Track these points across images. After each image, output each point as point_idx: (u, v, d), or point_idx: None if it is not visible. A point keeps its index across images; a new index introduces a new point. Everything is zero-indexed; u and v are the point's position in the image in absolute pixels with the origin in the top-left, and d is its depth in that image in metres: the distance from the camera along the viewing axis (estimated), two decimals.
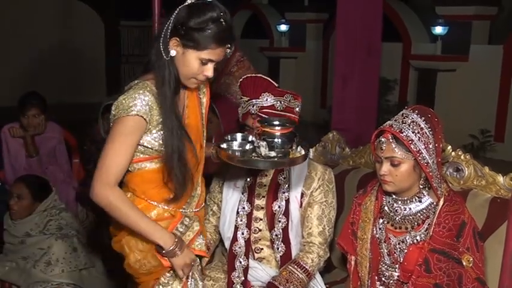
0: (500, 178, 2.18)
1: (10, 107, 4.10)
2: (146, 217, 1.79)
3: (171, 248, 1.78)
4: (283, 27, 10.27)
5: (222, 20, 1.71)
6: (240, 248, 2.26)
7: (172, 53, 1.74)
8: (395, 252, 1.97)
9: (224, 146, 1.95)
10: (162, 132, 1.78)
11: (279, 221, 2.25)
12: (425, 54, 8.25)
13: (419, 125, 1.83)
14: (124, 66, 12.58)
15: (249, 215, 2.27)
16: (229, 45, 1.77)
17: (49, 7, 10.97)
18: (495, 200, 2.16)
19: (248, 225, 2.27)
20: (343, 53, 4.16)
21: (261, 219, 2.27)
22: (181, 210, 1.90)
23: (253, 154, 1.90)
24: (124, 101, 1.73)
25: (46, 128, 3.68)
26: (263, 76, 2.15)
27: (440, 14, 7.93)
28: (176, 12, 1.73)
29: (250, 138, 1.99)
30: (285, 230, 2.24)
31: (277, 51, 10.55)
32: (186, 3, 1.74)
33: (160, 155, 1.81)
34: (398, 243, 1.96)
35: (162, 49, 1.74)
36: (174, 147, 1.77)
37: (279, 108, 2.12)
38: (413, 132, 1.82)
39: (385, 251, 1.99)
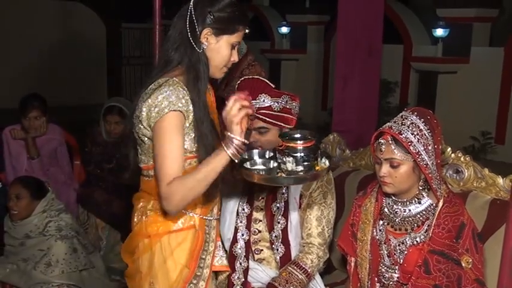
0: (500, 180, 2.19)
1: (11, 109, 4.11)
2: (200, 170, 1.67)
3: (231, 152, 1.64)
4: (284, 29, 10.28)
5: (236, 1, 1.75)
6: (240, 249, 2.27)
7: (205, 45, 1.73)
8: (395, 254, 1.97)
9: (248, 165, 1.90)
10: (195, 130, 1.73)
11: (278, 222, 2.25)
12: (426, 56, 8.26)
13: (419, 127, 1.84)
14: (125, 68, 12.60)
15: (249, 217, 2.28)
16: (248, 27, 1.80)
17: (50, 8, 11.00)
18: (495, 202, 2.16)
19: (248, 227, 2.28)
20: (344, 54, 4.17)
21: (260, 221, 2.28)
22: (205, 217, 1.85)
23: (277, 170, 1.88)
24: (162, 99, 1.66)
25: (47, 129, 3.69)
26: (260, 78, 2.16)
27: (441, 16, 7.94)
28: (191, 6, 1.72)
29: (267, 154, 1.97)
30: (284, 231, 2.25)
31: (278, 53, 10.56)
32: None
33: (196, 155, 1.75)
34: (398, 245, 1.96)
35: (193, 43, 1.71)
36: (210, 146, 1.73)
37: (276, 109, 2.13)
38: (412, 134, 1.83)
39: (385, 252, 2.00)
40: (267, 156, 1.96)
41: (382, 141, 1.89)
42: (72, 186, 3.84)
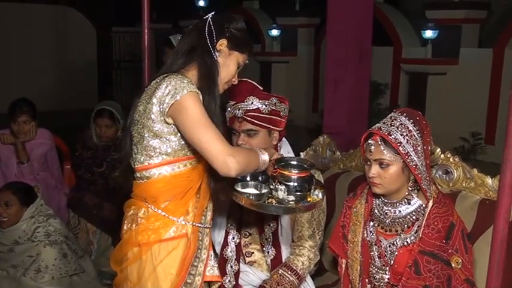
0: (489, 180, 2.20)
1: (0, 114, 4.08)
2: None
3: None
4: (275, 32, 10.30)
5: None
6: (231, 252, 2.26)
7: (219, 53, 1.78)
8: (385, 255, 1.98)
9: (239, 186, 1.90)
10: None
11: (269, 225, 2.25)
12: (416, 58, 8.30)
13: (408, 128, 1.85)
14: (116, 72, 12.59)
15: (239, 219, 2.28)
16: (251, 56, 1.88)
17: (41, 13, 10.96)
18: (484, 202, 2.17)
19: (238, 230, 2.28)
20: (334, 57, 4.18)
21: (251, 223, 2.28)
22: (198, 224, 1.83)
23: (269, 195, 1.89)
24: (176, 84, 1.66)
25: (37, 134, 3.67)
26: (248, 80, 2.16)
27: (430, 17, 7.99)
28: (210, 19, 1.79)
29: (260, 176, 1.97)
30: (275, 233, 2.25)
31: (268, 55, 10.57)
32: (212, 14, 1.81)
33: (195, 156, 1.76)
34: (389, 246, 1.97)
35: (211, 47, 1.77)
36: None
37: (264, 111, 2.13)
38: (401, 135, 1.83)
39: (376, 253, 2.00)
40: (260, 179, 1.97)
41: (371, 142, 1.90)
42: (63, 190, 3.81)
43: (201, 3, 11.59)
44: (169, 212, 1.77)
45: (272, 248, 2.26)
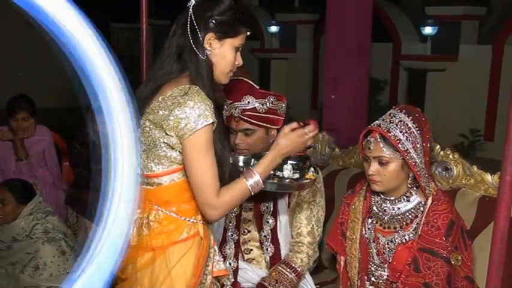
0: (489, 177, 2.19)
1: None
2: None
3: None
4: (274, 29, 10.28)
5: (234, 4, 1.72)
6: (229, 249, 2.26)
7: (208, 50, 1.68)
8: (384, 252, 1.97)
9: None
10: None
11: (267, 222, 2.25)
12: (415, 55, 8.28)
13: (407, 125, 1.84)
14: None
15: (238, 217, 2.27)
16: (249, 29, 1.76)
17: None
18: (484, 199, 2.17)
19: (237, 227, 2.28)
20: (333, 54, 4.18)
21: (249, 221, 2.27)
22: (205, 222, 1.79)
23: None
24: (194, 112, 1.59)
25: (35, 131, 3.66)
26: (244, 79, 2.15)
27: (429, 14, 7.97)
28: (191, 12, 1.68)
29: (252, 161, 1.99)
30: (274, 230, 2.25)
31: (268, 52, 10.55)
32: (194, 1, 1.69)
33: None
34: (387, 243, 1.96)
35: (196, 49, 1.67)
36: (225, 149, 1.74)
37: (261, 110, 2.12)
38: (401, 132, 1.83)
39: (374, 250, 2.00)
40: (251, 164, 1.97)
41: (370, 139, 1.89)
42: (61, 187, 3.80)
43: None
44: (180, 213, 1.72)
45: (271, 245, 2.25)
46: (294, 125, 1.77)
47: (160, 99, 1.65)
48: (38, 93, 5.50)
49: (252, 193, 1.72)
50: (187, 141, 1.61)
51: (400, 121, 1.85)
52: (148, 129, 1.67)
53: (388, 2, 9.08)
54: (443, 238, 1.83)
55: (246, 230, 2.28)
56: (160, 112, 1.64)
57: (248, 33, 1.76)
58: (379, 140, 1.87)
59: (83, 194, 3.62)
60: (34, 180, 3.56)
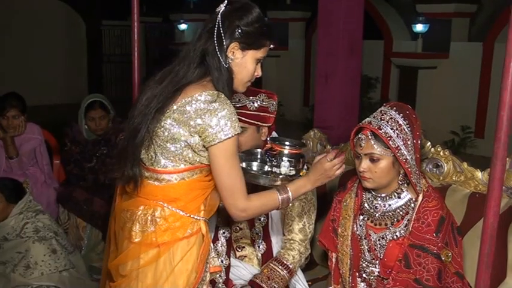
0: (479, 173, 2.21)
1: None
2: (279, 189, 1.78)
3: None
4: None
5: (262, 15, 1.74)
6: (221, 247, 2.26)
7: (231, 59, 1.71)
8: (375, 249, 1.98)
9: (244, 165, 1.96)
10: None
11: (259, 219, 2.25)
12: (407, 52, 8.32)
13: (398, 122, 1.85)
14: (105, 66, 12.52)
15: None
16: (274, 42, 1.79)
17: (30, 7, 10.86)
18: (474, 195, 2.18)
19: (229, 224, 2.28)
20: (325, 51, 4.19)
21: None
22: (207, 219, 1.81)
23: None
24: (229, 121, 1.63)
25: (26, 128, 3.64)
26: None
27: (420, 11, 8.01)
28: (219, 18, 1.69)
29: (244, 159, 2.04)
30: (265, 228, 2.25)
31: None
32: (223, 7, 1.71)
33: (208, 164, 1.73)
34: (379, 240, 1.97)
35: (220, 56, 1.69)
36: None
37: (252, 108, 2.13)
38: (391, 129, 1.84)
39: (366, 247, 2.01)
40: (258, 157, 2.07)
41: (361, 136, 1.90)
42: (52, 185, 3.79)
43: None
44: (186, 210, 1.73)
45: (263, 243, 2.26)
46: (331, 155, 1.84)
47: (188, 99, 1.65)
48: (29, 91, 5.47)
49: (280, 207, 1.79)
50: (215, 148, 1.64)
51: (391, 118, 1.86)
52: (169, 126, 1.67)
53: None
54: (434, 234, 1.84)
55: (237, 228, 2.29)
56: (188, 112, 1.64)
57: (272, 46, 1.79)
58: (370, 137, 1.87)
59: (74, 192, 3.62)
60: (25, 178, 3.55)
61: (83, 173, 3.65)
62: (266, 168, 2.00)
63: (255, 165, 2.08)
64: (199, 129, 1.63)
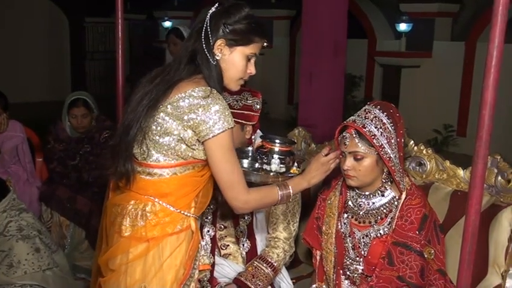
0: (461, 172, 2.23)
1: None
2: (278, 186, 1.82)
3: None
4: None
5: (253, 14, 1.77)
6: (206, 245, 2.26)
7: (218, 56, 1.73)
8: (359, 247, 2.00)
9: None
10: None
11: (243, 218, 2.26)
12: (390, 51, 8.38)
13: (382, 120, 1.87)
14: (89, 63, 12.42)
15: (214, 213, 2.28)
16: (266, 40, 1.80)
17: (12, 3, 10.73)
18: (456, 193, 2.20)
19: (213, 222, 2.28)
20: (309, 50, 4.20)
21: (226, 217, 2.28)
22: (197, 216, 1.82)
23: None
24: (222, 115, 1.65)
25: (8, 126, 3.60)
26: None
27: (404, 11, 8.06)
28: (208, 18, 1.73)
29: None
30: (250, 226, 2.26)
31: None
32: (214, 8, 1.75)
33: (202, 160, 1.74)
34: (363, 237, 1.99)
35: (207, 54, 1.72)
36: None
37: (235, 107, 2.13)
38: (375, 127, 1.85)
39: (350, 245, 2.02)
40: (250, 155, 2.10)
41: (346, 134, 1.92)
42: (35, 184, 3.75)
43: None
44: (176, 206, 1.75)
45: (247, 241, 2.27)
46: (325, 150, 1.91)
47: (182, 95, 1.68)
48: (10, 88, 5.40)
49: (279, 203, 1.85)
50: (210, 142, 1.67)
51: (375, 117, 1.87)
52: (162, 120, 1.69)
53: None
54: (417, 232, 1.86)
55: (222, 226, 2.29)
56: (181, 107, 1.67)
57: (265, 44, 1.81)
58: (354, 135, 1.89)
59: (57, 190, 3.59)
60: (7, 176, 3.51)
61: (66, 171, 3.62)
62: (257, 165, 2.02)
63: (245, 163, 2.10)
64: (192, 123, 1.66)
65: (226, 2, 1.77)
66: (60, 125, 3.66)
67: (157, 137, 1.70)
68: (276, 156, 1.95)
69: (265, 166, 1.96)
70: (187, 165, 1.73)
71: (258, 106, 2.20)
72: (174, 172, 1.73)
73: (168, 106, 1.69)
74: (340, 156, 1.93)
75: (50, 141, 3.67)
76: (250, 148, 2.17)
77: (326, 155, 1.88)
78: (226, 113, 1.67)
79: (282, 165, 1.95)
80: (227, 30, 1.72)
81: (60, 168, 3.64)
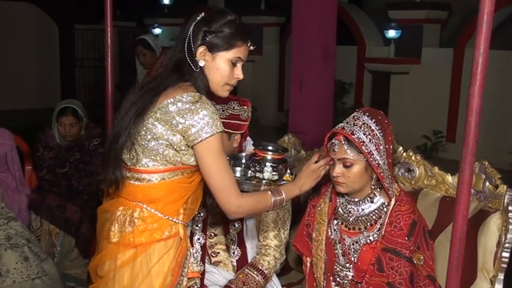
0: (449, 177, 2.25)
1: None
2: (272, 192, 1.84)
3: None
4: None
5: (237, 20, 1.79)
6: (196, 253, 2.25)
7: (201, 63, 1.75)
8: (349, 253, 2.00)
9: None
10: None
11: (234, 226, 2.26)
12: (379, 57, 8.42)
13: (370, 127, 1.88)
14: (79, 70, 12.38)
15: (204, 220, 2.28)
16: (251, 43, 1.81)
17: (1, 11, 10.69)
18: (444, 199, 2.22)
19: (203, 230, 2.28)
20: (299, 56, 4.22)
21: (216, 224, 2.28)
22: (186, 223, 1.83)
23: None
24: (210, 120, 1.66)
25: None
26: None
27: (393, 18, 8.11)
28: (192, 26, 1.76)
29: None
30: (240, 234, 2.26)
31: None
32: (198, 17, 1.77)
33: (193, 166, 1.75)
34: (353, 244, 2.00)
35: (190, 61, 1.74)
36: None
37: (222, 116, 2.12)
38: (364, 134, 1.86)
39: (340, 251, 2.03)
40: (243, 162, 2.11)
41: (335, 141, 1.93)
42: (24, 192, 3.72)
43: (166, 1, 11.49)
44: (164, 212, 1.75)
45: (237, 249, 2.26)
46: (315, 157, 1.92)
47: (171, 100, 1.69)
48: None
49: (271, 209, 1.85)
50: (200, 146, 1.68)
51: (364, 124, 1.88)
52: (151, 125, 1.71)
53: (353, 5, 9.21)
54: (406, 238, 1.87)
55: (212, 234, 2.29)
56: (171, 112, 1.68)
57: (252, 47, 1.83)
58: (343, 142, 1.90)
59: (46, 199, 3.57)
60: None
61: (55, 179, 3.60)
62: (249, 173, 2.03)
63: (238, 171, 2.10)
64: (181, 128, 1.67)
65: (211, 9, 1.80)
66: (50, 132, 3.64)
67: (146, 142, 1.71)
68: (268, 164, 1.96)
69: (258, 174, 1.97)
70: (176, 170, 1.74)
71: (247, 115, 2.20)
72: (163, 177, 1.74)
73: (157, 112, 1.70)
74: (330, 162, 1.94)
75: (39, 148, 3.65)
76: (243, 154, 2.18)
77: (316, 162, 1.89)
78: (215, 117, 1.68)
79: (274, 173, 1.96)
80: (208, 37, 1.74)
81: (50, 176, 3.62)
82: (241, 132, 2.20)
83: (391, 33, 8.04)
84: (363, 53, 8.72)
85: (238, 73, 1.81)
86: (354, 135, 1.86)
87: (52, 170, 3.62)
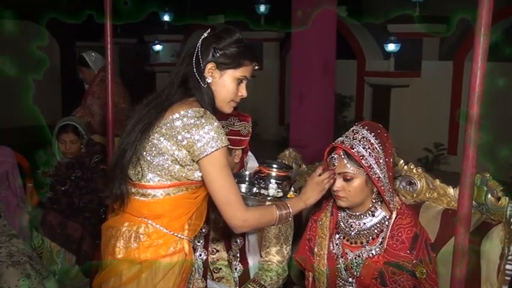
0: (451, 190, 2.24)
1: None
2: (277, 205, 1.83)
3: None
4: None
5: (244, 39, 1.82)
6: (198, 269, 2.24)
7: (209, 79, 1.77)
8: (352, 267, 1.99)
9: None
10: None
11: (236, 242, 2.25)
12: (379, 71, 8.44)
13: (370, 141, 1.88)
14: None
15: (206, 236, 2.27)
16: (256, 63, 1.85)
17: (2, 28, 10.76)
18: (446, 212, 2.21)
19: (205, 246, 2.27)
20: (299, 71, 4.24)
21: (218, 240, 2.27)
22: (190, 239, 1.83)
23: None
24: (215, 134, 1.68)
25: None
26: None
27: (392, 31, 8.15)
28: (199, 43, 1.78)
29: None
30: (242, 250, 2.25)
31: None
32: (206, 34, 1.81)
33: (198, 181, 1.76)
34: (355, 258, 1.99)
35: (198, 77, 1.76)
36: None
37: None
38: (364, 148, 1.86)
39: (342, 266, 2.02)
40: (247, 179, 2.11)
41: (334, 156, 1.92)
42: (25, 209, 3.72)
43: (166, 18, 11.55)
44: (169, 228, 1.76)
45: (239, 264, 2.26)
46: (319, 170, 1.93)
47: (176, 115, 1.71)
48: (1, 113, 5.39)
49: (276, 223, 1.83)
50: (205, 161, 1.69)
51: (363, 137, 1.88)
52: (156, 141, 1.72)
53: (353, 19, 9.25)
54: (408, 251, 1.86)
55: (214, 250, 2.28)
56: (176, 128, 1.70)
57: (256, 67, 1.86)
58: (343, 156, 1.90)
59: (47, 216, 3.56)
60: None
61: (56, 197, 3.60)
62: (254, 190, 2.02)
63: (243, 187, 2.09)
64: (186, 143, 1.68)
65: (218, 27, 1.81)
66: (50, 149, 3.65)
67: (151, 158, 1.73)
68: (273, 181, 1.97)
69: (262, 191, 1.98)
70: (180, 186, 1.74)
71: (247, 130, 2.21)
72: (168, 193, 1.75)
73: (163, 127, 1.72)
74: (333, 175, 1.94)
75: (41, 166, 3.66)
76: (247, 173, 2.18)
77: (320, 175, 1.89)
78: (220, 132, 1.69)
79: (279, 190, 1.97)
80: (217, 54, 1.77)
81: (51, 193, 3.62)
82: (242, 147, 2.20)
83: (391, 47, 8.07)
84: (363, 67, 8.75)
85: (243, 91, 1.85)
86: (353, 149, 1.86)
87: (53, 187, 3.62)
